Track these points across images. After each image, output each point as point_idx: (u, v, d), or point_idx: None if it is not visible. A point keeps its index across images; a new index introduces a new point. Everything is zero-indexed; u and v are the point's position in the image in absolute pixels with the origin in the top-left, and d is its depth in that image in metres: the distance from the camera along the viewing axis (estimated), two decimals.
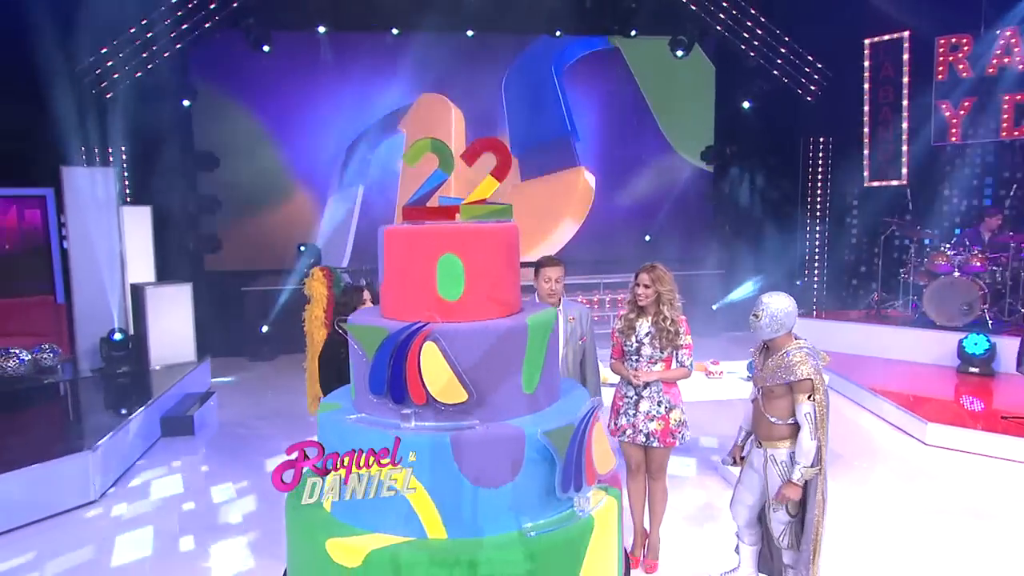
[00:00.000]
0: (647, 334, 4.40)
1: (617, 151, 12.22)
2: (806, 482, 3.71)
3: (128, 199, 10.17)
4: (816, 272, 11.57)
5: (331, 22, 11.05)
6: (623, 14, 11.40)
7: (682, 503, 5.44)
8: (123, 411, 6.82)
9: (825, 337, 9.30)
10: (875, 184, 11.02)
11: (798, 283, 10.74)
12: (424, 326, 2.73)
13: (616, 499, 3.09)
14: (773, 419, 3.73)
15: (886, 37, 10.79)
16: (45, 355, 6.51)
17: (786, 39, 11.44)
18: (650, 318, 4.40)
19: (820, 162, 11.66)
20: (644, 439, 4.45)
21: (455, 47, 11.33)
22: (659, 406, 4.42)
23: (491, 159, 3.09)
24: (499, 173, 3.08)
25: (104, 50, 9.97)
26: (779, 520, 3.82)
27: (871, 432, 7.11)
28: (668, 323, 4.34)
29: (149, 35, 10.23)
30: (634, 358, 4.44)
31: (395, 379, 2.73)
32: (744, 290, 10.92)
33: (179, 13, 10.35)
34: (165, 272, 9.59)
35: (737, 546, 4.30)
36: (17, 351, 6.30)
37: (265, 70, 11.12)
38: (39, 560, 4.77)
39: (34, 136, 8.61)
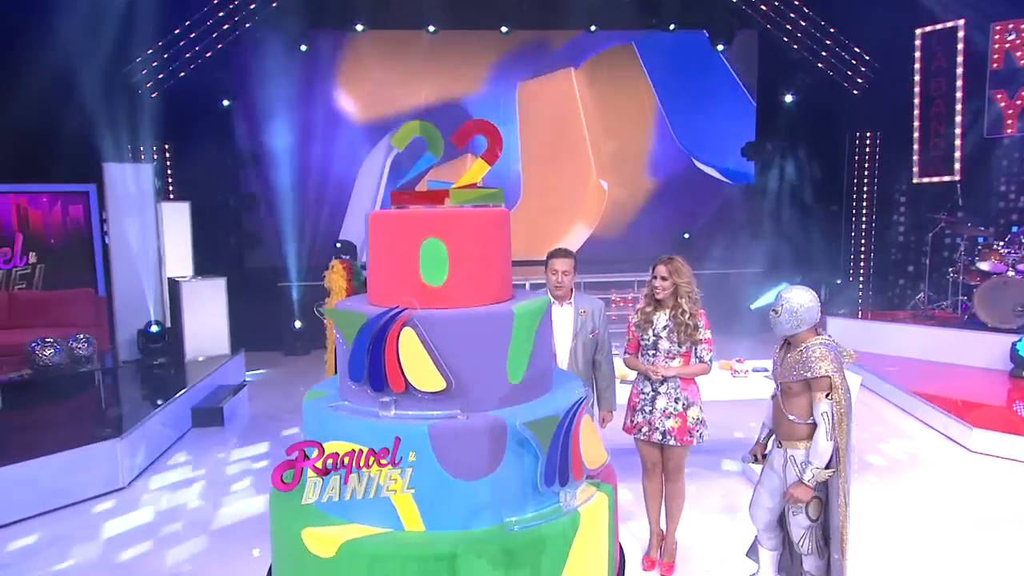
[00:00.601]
0: (664, 328, 4.26)
1: (655, 146, 12.02)
2: (826, 486, 3.53)
3: (171, 196, 10.43)
4: (863, 271, 11.15)
5: (368, 20, 11.13)
6: (659, 7, 11.19)
7: (702, 504, 5.26)
8: (154, 401, 6.95)
9: (869, 339, 8.99)
10: (925, 180, 10.55)
11: (839, 282, 10.35)
12: (402, 311, 2.66)
13: (608, 495, 2.97)
14: (792, 417, 3.55)
15: (939, 26, 10.31)
16: (79, 345, 6.65)
17: (831, 30, 11.06)
18: (668, 311, 4.26)
19: (867, 157, 11.24)
20: (660, 437, 4.31)
21: (490, 44, 11.28)
22: (676, 403, 4.28)
23: (481, 142, 3.01)
24: (490, 156, 3.00)
25: (150, 51, 10.26)
26: (799, 524, 3.63)
27: (911, 437, 6.79)
28: (687, 316, 4.20)
29: (192, 35, 10.49)
30: (651, 353, 4.31)
31: (374, 366, 2.67)
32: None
33: (220, 14, 10.57)
34: (207, 267, 9.79)
35: (752, 549, 4.13)
36: (52, 340, 6.46)
37: (303, 69, 11.25)
38: (66, 544, 4.86)
39: (81, 134, 8.89)
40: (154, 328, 8.36)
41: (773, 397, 3.82)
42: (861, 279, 11.17)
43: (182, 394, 7.22)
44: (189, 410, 7.32)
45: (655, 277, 4.26)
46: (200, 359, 8.59)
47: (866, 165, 11.24)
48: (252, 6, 10.67)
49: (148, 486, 5.85)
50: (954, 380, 7.97)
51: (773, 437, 3.89)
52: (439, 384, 2.66)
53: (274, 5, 10.70)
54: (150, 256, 8.65)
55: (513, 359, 2.82)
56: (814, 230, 11.10)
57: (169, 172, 10.69)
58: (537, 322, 2.91)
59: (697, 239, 11.73)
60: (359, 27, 11.13)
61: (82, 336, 6.77)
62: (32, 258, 8.49)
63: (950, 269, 9.31)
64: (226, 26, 10.67)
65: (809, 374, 3.40)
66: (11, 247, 8.38)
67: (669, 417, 4.29)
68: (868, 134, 11.23)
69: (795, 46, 11.21)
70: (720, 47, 11.56)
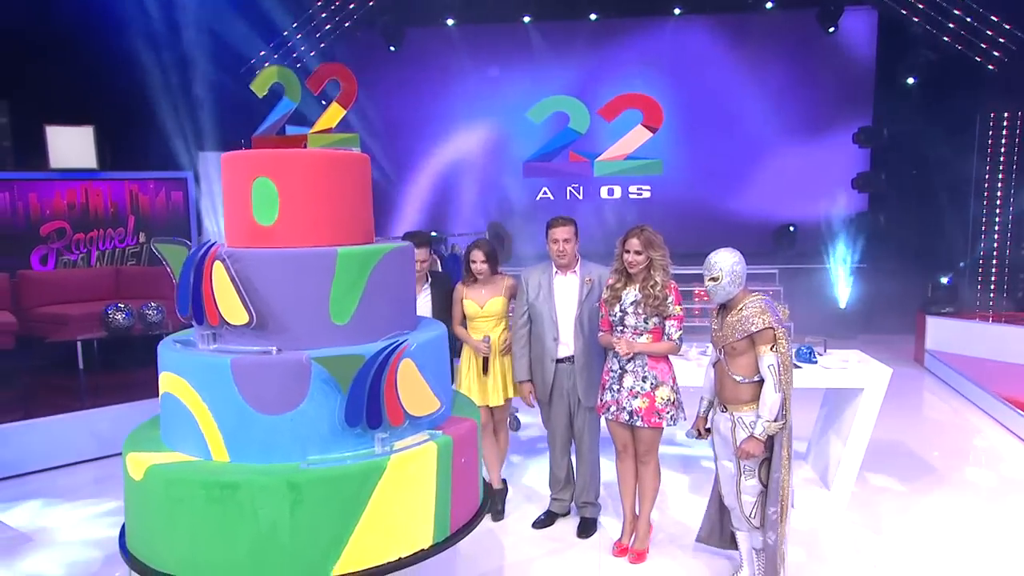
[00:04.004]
0: (632, 303, 4.04)
1: (757, 132, 11.29)
2: (772, 440, 3.47)
3: None
4: (994, 269, 9.79)
5: (460, 15, 11.38)
6: None
7: (685, 491, 4.99)
8: None
9: (969, 340, 7.98)
10: None
11: (946, 281, 9.15)
12: (213, 245, 2.73)
13: (441, 447, 2.84)
14: (738, 378, 3.52)
15: None
16: (150, 312, 7.33)
17: None
18: (637, 286, 4.04)
19: (1003, 141, 9.86)
20: (628, 417, 4.10)
21: (578, 32, 11.15)
22: (644, 382, 4.06)
23: (343, 86, 3.01)
24: (344, 100, 2.98)
25: (262, 52, 11.16)
26: (750, 492, 3.56)
27: (992, 448, 5.92)
28: (657, 288, 3.97)
29: (299, 36, 11.27)
30: (619, 329, 4.11)
31: (195, 300, 2.76)
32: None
33: (323, 15, 11.27)
34: None
35: (733, 536, 3.89)
36: (124, 306, 7.18)
37: (401, 65, 11.70)
38: (104, 486, 5.37)
39: (189, 128, 9.88)
40: None
41: (715, 363, 3.74)
42: (993, 276, 9.82)
43: None
44: None
45: (627, 251, 4.05)
46: None
47: (1002, 149, 9.86)
48: (351, 5, 11.26)
49: None
50: None
51: (713, 408, 3.83)
52: (243, 318, 2.69)
53: (371, 4, 11.22)
54: None
55: (337, 300, 2.79)
56: (934, 224, 9.94)
57: None
58: (370, 267, 2.85)
59: (801, 232, 10.88)
60: (450, 21, 11.40)
61: (154, 304, 7.45)
62: (142, 238, 9.48)
63: None
64: (328, 26, 11.36)
65: (753, 328, 3.42)
66: (125, 228, 9.41)
67: (636, 397, 4.08)
68: (1006, 114, 9.86)
69: (916, 19, 10.07)
70: (832, 30, 10.67)
